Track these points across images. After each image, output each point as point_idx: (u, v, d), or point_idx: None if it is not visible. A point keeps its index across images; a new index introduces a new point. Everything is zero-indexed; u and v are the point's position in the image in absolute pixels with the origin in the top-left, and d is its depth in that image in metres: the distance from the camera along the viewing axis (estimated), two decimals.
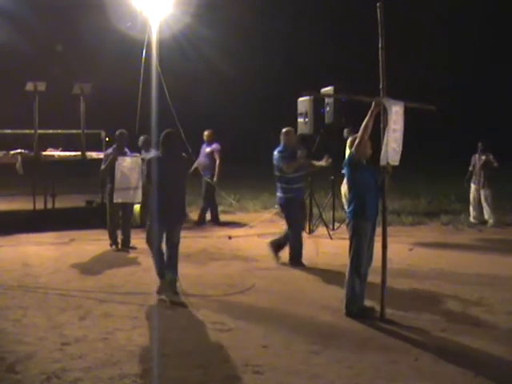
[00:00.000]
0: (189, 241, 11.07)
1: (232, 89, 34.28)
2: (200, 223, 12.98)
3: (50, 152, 12.82)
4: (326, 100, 11.44)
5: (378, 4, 6.54)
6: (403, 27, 27.30)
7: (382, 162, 6.48)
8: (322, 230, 11.79)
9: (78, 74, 19.97)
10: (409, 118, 6.53)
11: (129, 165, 10.34)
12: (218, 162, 12.98)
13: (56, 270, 8.77)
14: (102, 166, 10.42)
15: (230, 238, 11.44)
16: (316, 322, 6.49)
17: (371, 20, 6.66)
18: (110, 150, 10.54)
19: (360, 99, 6.69)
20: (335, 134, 12.21)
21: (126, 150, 10.61)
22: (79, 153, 12.95)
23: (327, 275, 8.52)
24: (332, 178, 12.06)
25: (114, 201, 10.18)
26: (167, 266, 7.54)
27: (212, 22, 23.75)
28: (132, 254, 9.97)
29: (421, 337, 6.03)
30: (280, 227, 12.20)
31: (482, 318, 6.63)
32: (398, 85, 7.74)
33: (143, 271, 8.59)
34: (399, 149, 6.51)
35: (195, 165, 12.98)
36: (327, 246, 10.70)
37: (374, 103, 6.47)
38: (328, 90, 11.14)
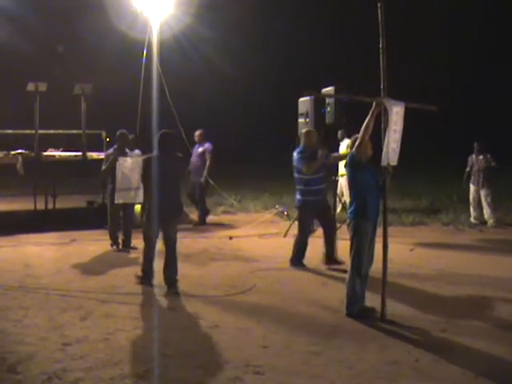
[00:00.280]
0: (189, 241, 11.10)
1: (232, 89, 34.30)
2: (198, 224, 12.97)
3: (50, 152, 12.83)
4: (327, 100, 11.43)
5: (378, 4, 6.54)
6: (403, 27, 27.30)
7: (383, 163, 6.49)
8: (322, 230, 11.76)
9: (78, 74, 19.97)
10: (409, 118, 6.53)
11: (130, 165, 10.34)
12: (208, 162, 12.94)
13: (57, 270, 8.78)
14: (103, 167, 10.43)
15: (230, 238, 11.44)
16: (317, 323, 6.50)
17: (371, 20, 6.67)
18: (110, 151, 10.54)
19: (361, 99, 6.69)
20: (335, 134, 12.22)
21: (127, 150, 10.61)
22: (80, 153, 12.95)
23: (328, 276, 8.52)
24: (334, 178, 12.06)
25: (116, 201, 10.18)
26: (167, 265, 7.68)
27: (212, 23, 23.78)
28: (133, 255, 9.97)
29: (421, 337, 6.03)
30: (281, 228, 12.25)
31: (483, 318, 6.64)
32: (398, 85, 7.75)
33: None
34: (398, 149, 6.52)
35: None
36: None
37: (374, 103, 6.47)
38: (329, 90, 11.12)
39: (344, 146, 12.84)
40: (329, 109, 11.48)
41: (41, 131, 12.67)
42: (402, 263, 9.07)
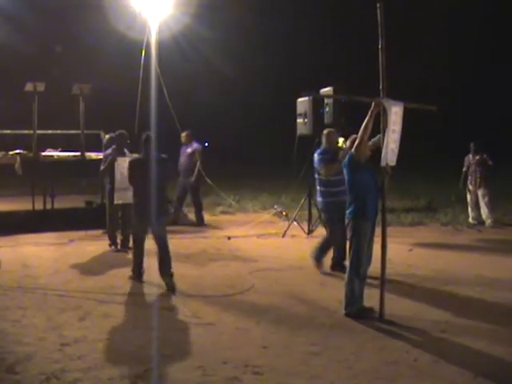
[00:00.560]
0: (188, 242, 11.10)
1: (232, 89, 34.31)
2: (199, 223, 12.99)
3: (49, 152, 12.82)
4: (326, 100, 11.43)
5: (377, 4, 6.53)
6: (403, 27, 27.31)
7: (382, 163, 6.48)
8: (321, 230, 11.76)
9: (77, 74, 19.96)
10: (409, 118, 6.53)
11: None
12: (198, 162, 12.92)
13: (55, 270, 8.77)
14: (102, 167, 10.42)
15: (229, 238, 11.43)
16: (315, 323, 6.49)
17: (371, 20, 6.65)
18: (109, 151, 10.53)
19: (360, 100, 6.69)
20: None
21: (126, 150, 10.60)
22: (78, 153, 12.94)
23: (326, 276, 8.52)
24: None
25: (115, 202, 10.16)
26: (160, 261, 7.89)
27: (211, 23, 23.74)
28: (131, 255, 9.94)
29: (420, 337, 6.02)
30: (279, 228, 12.25)
31: (482, 318, 6.63)
32: (398, 85, 7.73)
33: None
34: (397, 149, 6.51)
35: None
36: None
37: (373, 104, 6.47)
38: (327, 90, 11.15)
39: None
40: (327, 109, 11.49)
41: (39, 131, 12.65)
42: (400, 263, 9.07)
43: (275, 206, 14.54)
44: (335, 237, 8.65)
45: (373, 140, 6.93)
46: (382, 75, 6.57)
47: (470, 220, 13.22)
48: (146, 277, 8.20)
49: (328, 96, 11.41)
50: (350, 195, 6.84)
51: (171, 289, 7.69)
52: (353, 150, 6.68)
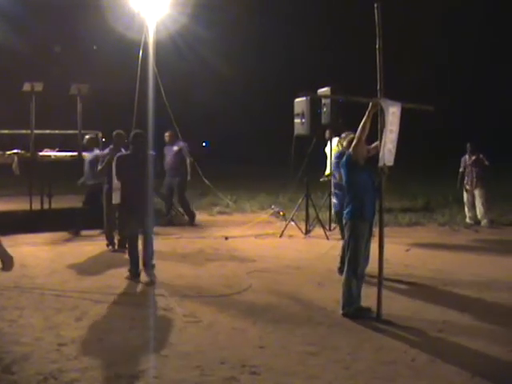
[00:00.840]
0: (185, 241, 11.10)
1: (229, 89, 34.32)
2: (192, 221, 12.94)
3: (46, 152, 12.80)
4: (323, 101, 11.44)
5: (375, 5, 6.54)
6: (403, 27, 27.36)
7: (380, 163, 6.48)
8: (318, 230, 11.79)
9: (75, 74, 19.95)
10: (408, 118, 6.53)
11: None
12: (188, 160, 12.89)
13: (52, 270, 8.76)
14: (99, 167, 10.41)
15: (226, 238, 11.43)
16: (313, 323, 6.49)
17: (369, 20, 6.65)
18: (106, 151, 10.52)
19: (357, 100, 6.69)
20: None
21: (123, 150, 10.58)
22: (76, 153, 12.92)
23: (324, 276, 8.51)
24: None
25: (114, 202, 10.14)
26: (146, 257, 8.22)
27: (209, 23, 23.74)
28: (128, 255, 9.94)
29: (418, 337, 6.03)
30: (277, 228, 12.25)
31: (479, 318, 6.63)
32: (398, 85, 7.75)
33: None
34: (394, 150, 6.51)
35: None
36: (324, 246, 10.70)
37: (371, 104, 6.47)
38: (325, 90, 11.15)
39: (333, 145, 12.86)
40: (325, 109, 11.50)
41: (36, 131, 12.64)
42: (398, 263, 9.08)
43: (273, 206, 14.54)
44: None
45: (375, 143, 6.89)
46: (379, 75, 6.57)
47: (467, 220, 13.24)
48: (142, 277, 8.22)
49: (325, 96, 11.42)
50: (347, 195, 6.84)
51: (151, 282, 8.00)
52: (350, 150, 6.68)
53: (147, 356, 5.52)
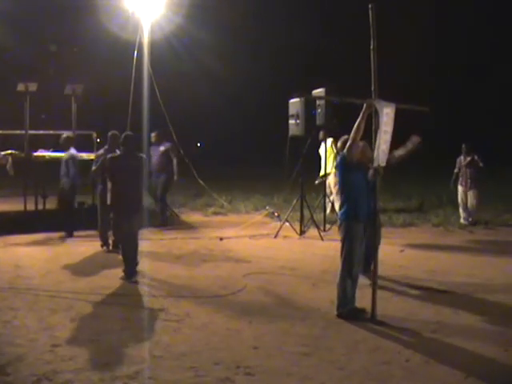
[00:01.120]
0: (180, 242, 11.09)
1: (224, 90, 34.31)
2: (163, 222, 12.81)
3: (40, 153, 12.77)
4: (318, 102, 11.46)
5: (369, 5, 6.55)
6: (403, 27, 27.39)
7: (374, 164, 6.50)
8: (313, 231, 11.80)
9: (69, 74, 19.92)
10: (403, 118, 6.54)
11: None
12: (175, 160, 12.86)
13: (47, 271, 8.74)
14: (93, 167, 10.40)
15: (221, 239, 11.43)
16: (307, 324, 6.49)
17: (364, 21, 6.66)
18: (101, 151, 10.51)
19: (351, 101, 6.70)
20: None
21: (117, 151, 10.57)
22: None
23: (318, 277, 8.52)
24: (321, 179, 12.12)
25: (108, 202, 10.13)
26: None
27: (204, 23, 23.76)
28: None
29: (412, 338, 6.04)
30: (272, 228, 12.25)
31: (473, 319, 6.65)
32: (390, 86, 7.75)
33: None
34: (387, 150, 6.53)
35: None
36: (318, 247, 10.72)
37: (365, 105, 6.48)
38: (319, 91, 11.17)
39: (328, 146, 12.89)
40: (319, 110, 11.52)
41: (31, 132, 12.61)
42: (392, 264, 9.08)
43: (267, 207, 14.56)
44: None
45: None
46: (373, 76, 6.59)
47: (462, 221, 13.28)
48: (140, 279, 8.22)
49: (320, 97, 11.43)
50: (341, 196, 6.86)
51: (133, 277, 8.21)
52: (345, 150, 6.70)
53: (142, 357, 5.51)
